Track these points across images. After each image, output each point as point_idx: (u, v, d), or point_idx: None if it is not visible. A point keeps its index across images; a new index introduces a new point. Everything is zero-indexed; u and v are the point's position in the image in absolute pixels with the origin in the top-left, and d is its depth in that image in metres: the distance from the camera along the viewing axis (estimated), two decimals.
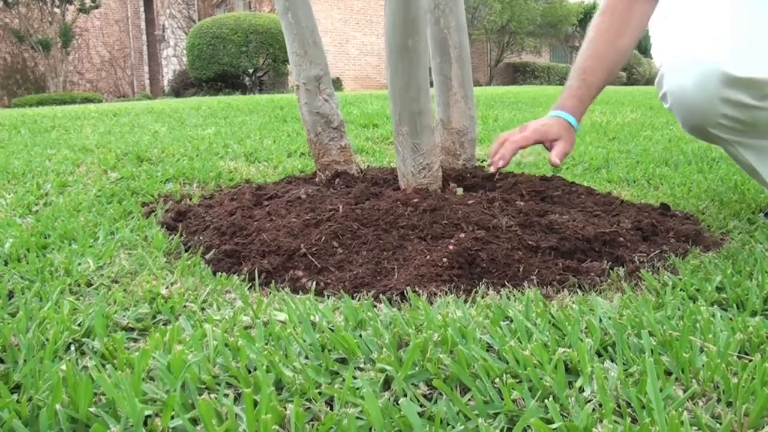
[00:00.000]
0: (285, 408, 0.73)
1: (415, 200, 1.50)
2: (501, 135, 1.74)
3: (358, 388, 0.78)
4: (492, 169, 1.66)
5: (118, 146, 2.97)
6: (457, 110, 1.83)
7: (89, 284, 1.25)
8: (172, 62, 25.70)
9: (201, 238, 1.50)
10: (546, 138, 1.70)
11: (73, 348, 0.95)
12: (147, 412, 0.74)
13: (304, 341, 0.92)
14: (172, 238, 1.54)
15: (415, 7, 1.53)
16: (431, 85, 1.77)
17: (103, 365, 0.86)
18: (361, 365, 0.86)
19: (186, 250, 1.48)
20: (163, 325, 1.05)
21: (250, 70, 19.24)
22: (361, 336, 0.93)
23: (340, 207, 1.49)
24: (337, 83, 22.67)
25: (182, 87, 21.79)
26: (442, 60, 1.83)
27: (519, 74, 27.03)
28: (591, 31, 1.78)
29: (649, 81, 28.15)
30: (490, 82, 26.92)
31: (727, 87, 1.46)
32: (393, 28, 1.55)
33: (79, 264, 1.34)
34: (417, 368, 0.83)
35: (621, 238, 1.42)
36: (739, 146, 1.62)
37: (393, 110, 1.62)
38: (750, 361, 0.85)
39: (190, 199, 1.98)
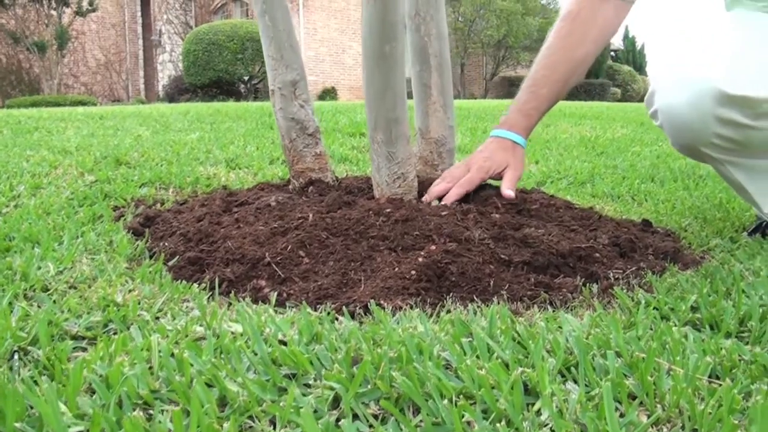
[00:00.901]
0: (222, 426, 0.69)
1: (388, 210, 1.46)
2: (447, 174, 1.67)
3: (301, 407, 0.74)
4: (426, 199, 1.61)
5: (99, 149, 2.93)
6: (436, 119, 1.80)
7: (45, 289, 1.20)
8: (168, 67, 25.67)
9: (166, 244, 1.46)
10: (491, 174, 1.64)
11: (16, 356, 0.91)
12: (78, 428, 0.69)
13: (255, 354, 0.88)
14: (138, 244, 1.50)
15: (393, 12, 1.50)
16: (409, 93, 1.74)
17: (42, 376, 0.82)
18: (311, 382, 0.82)
19: (150, 257, 1.44)
20: (114, 334, 1.00)
21: (246, 78, 19.23)
22: (314, 350, 0.89)
23: (310, 215, 1.45)
24: (333, 93, 22.68)
25: (177, 92, 21.76)
26: (421, 68, 1.79)
27: (514, 88, 26.75)
28: (551, 37, 1.72)
29: (644, 98, 28.25)
30: (485, 95, 26.99)
31: (720, 105, 1.43)
32: (369, 33, 1.52)
33: (39, 268, 1.29)
34: (369, 386, 0.79)
35: (597, 254, 1.39)
36: (730, 165, 1.59)
37: (368, 117, 1.58)
38: (719, 385, 0.81)
39: (162, 204, 1.94)
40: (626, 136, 4.71)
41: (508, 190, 1.61)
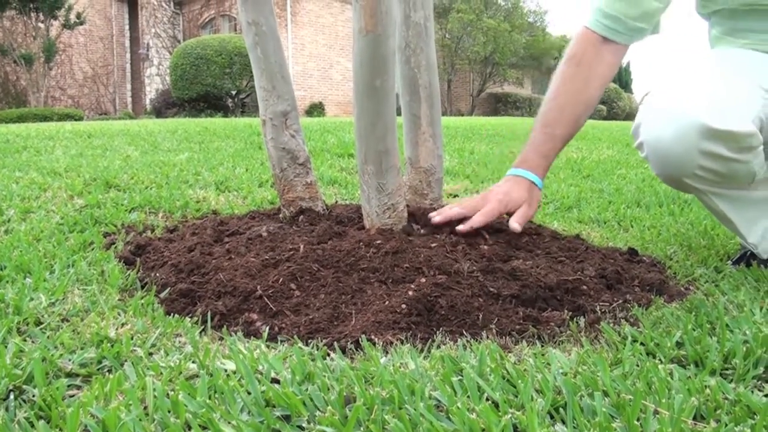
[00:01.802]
0: None
1: (378, 242, 1.48)
2: (462, 202, 1.70)
3: None
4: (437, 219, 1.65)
5: (88, 171, 2.93)
6: (426, 149, 1.82)
7: (38, 323, 1.21)
8: (155, 81, 25.65)
9: (158, 274, 1.46)
10: (509, 210, 1.68)
11: (12, 396, 0.91)
12: None
13: (248, 394, 0.89)
14: (129, 274, 1.51)
15: (384, 47, 1.52)
16: (399, 122, 1.76)
17: (39, 420, 0.83)
18: (304, 424, 0.83)
19: (142, 287, 1.45)
20: (108, 371, 1.01)
21: (233, 92, 19.23)
22: (307, 390, 0.90)
23: (301, 247, 1.46)
24: (320, 108, 22.73)
25: (164, 106, 21.74)
26: (411, 99, 1.81)
27: (501, 104, 27.28)
28: (557, 79, 1.76)
29: (629, 115, 28.44)
30: (472, 112, 27.12)
31: (705, 139, 1.45)
32: (360, 66, 1.54)
33: (31, 300, 1.30)
34: (362, 429, 0.80)
35: (584, 287, 1.41)
36: (713, 196, 1.62)
37: (358, 149, 1.60)
38: (704, 427, 0.83)
39: (153, 231, 1.94)
40: (612, 158, 4.75)
41: (515, 224, 1.65)
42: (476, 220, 1.62)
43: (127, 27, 27.26)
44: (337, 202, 2.41)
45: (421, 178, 1.83)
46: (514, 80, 28.13)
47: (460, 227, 1.61)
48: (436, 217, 1.66)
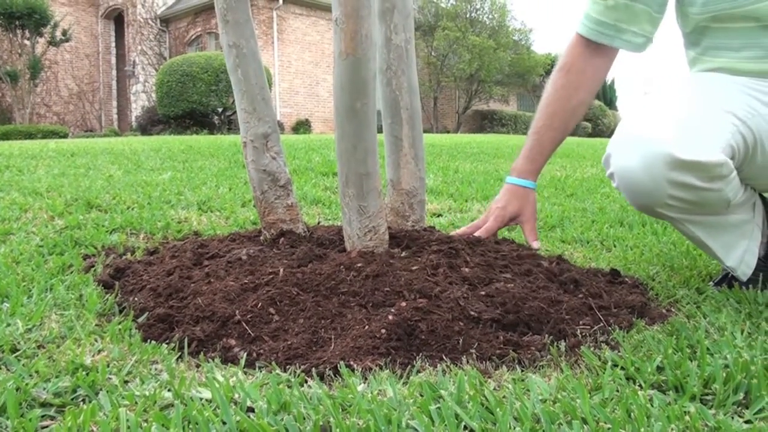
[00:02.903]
0: None
1: (359, 265, 1.47)
2: (473, 225, 1.89)
3: None
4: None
5: (69, 191, 2.92)
6: (408, 171, 1.82)
7: (14, 350, 1.19)
8: (141, 98, 25.61)
9: (136, 299, 1.45)
10: (507, 221, 1.85)
11: None
12: None
13: (224, 424, 0.88)
14: (107, 298, 1.49)
15: (365, 70, 1.52)
16: (382, 142, 1.76)
17: None
18: None
19: (120, 311, 1.43)
20: (82, 401, 1.00)
21: (219, 109, 19.23)
22: (283, 420, 0.89)
23: (281, 270, 1.45)
24: (307, 125, 22.74)
25: (150, 123, 21.70)
26: (393, 121, 1.81)
27: (486, 121, 27.40)
28: (548, 88, 1.83)
29: (614, 132, 28.63)
30: (457, 129, 27.23)
31: (673, 170, 1.45)
32: (341, 90, 1.54)
33: (8, 326, 1.28)
34: None
35: (564, 310, 1.41)
36: (688, 223, 1.62)
37: (340, 171, 1.60)
38: None
39: (133, 253, 1.93)
40: (595, 177, 4.76)
41: (534, 242, 1.86)
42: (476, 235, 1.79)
43: (113, 44, 27.24)
44: (319, 222, 2.40)
45: (403, 200, 1.83)
46: (500, 97, 28.25)
47: (455, 231, 1.84)
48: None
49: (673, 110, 1.57)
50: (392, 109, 1.82)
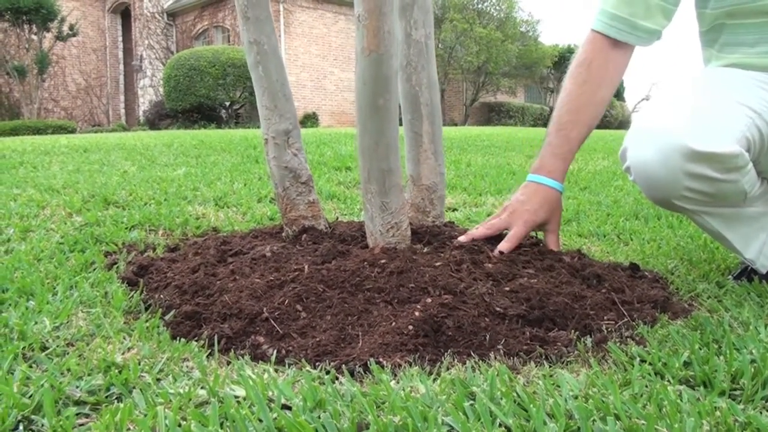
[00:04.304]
0: None
1: (383, 261, 1.47)
2: (488, 222, 1.77)
3: None
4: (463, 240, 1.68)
5: (85, 187, 2.93)
6: (428, 167, 1.82)
7: (44, 348, 1.20)
8: (149, 92, 25.63)
9: (162, 296, 1.46)
10: (536, 228, 1.74)
11: (21, 427, 0.90)
12: None
13: (260, 422, 0.89)
14: (133, 295, 1.50)
15: (387, 66, 1.52)
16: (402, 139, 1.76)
17: None
18: None
19: (146, 308, 1.44)
20: (117, 399, 1.01)
21: (227, 103, 19.24)
22: (320, 417, 0.90)
23: (306, 267, 1.46)
24: (314, 118, 22.74)
25: (158, 117, 21.73)
26: (413, 117, 1.82)
27: (494, 114, 27.36)
28: (568, 84, 1.78)
29: (623, 124, 28.60)
30: (465, 121, 27.19)
31: (689, 161, 1.45)
32: (363, 86, 1.54)
33: (35, 324, 1.29)
34: None
35: (589, 305, 1.41)
36: (706, 215, 1.62)
37: (362, 168, 1.60)
38: None
39: (154, 250, 1.93)
40: (608, 169, 4.76)
41: (554, 246, 1.77)
42: (504, 247, 1.66)
43: (120, 38, 27.28)
44: (338, 218, 2.41)
45: (423, 196, 1.83)
46: (507, 89, 28.20)
47: (473, 231, 1.73)
48: (462, 238, 1.70)
49: (688, 103, 1.58)
50: (412, 104, 1.83)
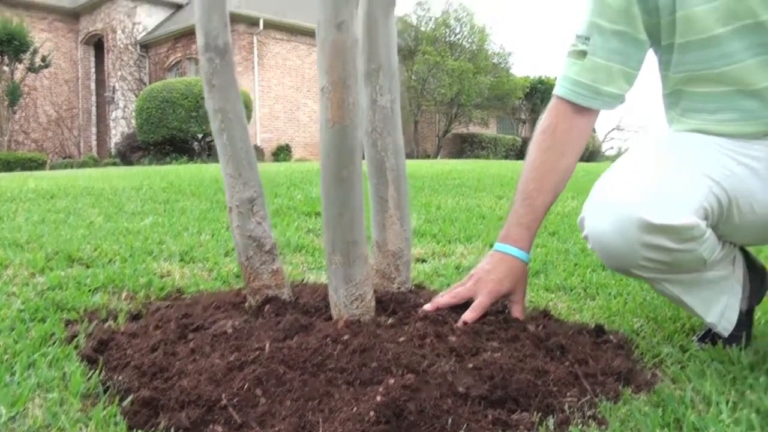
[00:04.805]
0: None
1: (346, 337, 1.46)
2: (452, 290, 1.75)
3: None
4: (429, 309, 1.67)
5: (50, 242, 2.89)
6: (393, 232, 1.82)
7: None
8: (121, 124, 25.57)
9: (121, 378, 1.43)
10: (501, 298, 1.73)
11: None
12: None
13: None
14: (91, 375, 1.47)
15: (351, 138, 1.53)
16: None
17: None
18: None
19: (105, 391, 1.41)
20: None
21: (199, 135, 19.22)
22: None
23: (267, 345, 1.44)
24: (287, 150, 22.78)
25: (129, 150, 21.65)
26: (378, 182, 1.82)
27: (467, 145, 27.58)
28: (533, 151, 1.79)
29: (593, 154, 28.92)
30: (438, 152, 27.37)
31: (646, 233, 1.47)
32: (327, 157, 1.54)
33: None
34: None
35: (552, 381, 1.40)
36: (666, 282, 1.63)
37: (326, 238, 1.59)
38: None
39: (116, 319, 1.90)
40: (577, 210, 4.73)
41: (519, 315, 1.75)
42: (468, 317, 1.65)
43: (93, 70, 27.23)
44: (305, 276, 2.39)
45: (389, 262, 1.83)
46: (480, 121, 28.49)
47: (437, 300, 1.72)
48: (427, 306, 1.68)
49: (645, 172, 1.59)
50: (378, 170, 1.83)
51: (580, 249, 3.24)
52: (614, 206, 1.52)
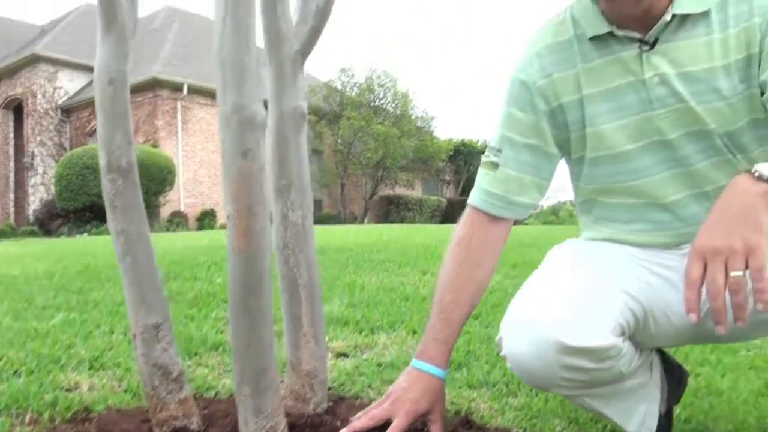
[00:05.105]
0: None
1: None
2: (369, 411, 1.69)
3: None
4: None
5: None
6: (308, 351, 1.77)
7: None
8: (40, 190, 25.00)
9: None
10: (419, 417, 1.67)
11: None
12: None
13: None
14: None
15: (259, 265, 1.49)
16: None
17: None
18: None
19: None
20: None
21: None
22: None
23: None
24: (212, 215, 22.56)
25: (48, 217, 21.15)
26: (291, 299, 1.78)
27: (393, 206, 27.82)
28: (449, 262, 1.77)
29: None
30: (365, 215, 27.50)
31: (563, 355, 1.47)
32: (234, 284, 1.50)
33: None
34: None
35: None
36: (585, 397, 1.63)
37: (234, 368, 1.54)
38: None
39: None
40: (500, 286, 4.75)
41: None
42: None
43: (11, 135, 26.70)
44: (218, 390, 2.31)
45: (303, 382, 1.78)
46: (405, 183, 28.84)
47: (354, 424, 1.63)
48: (344, 431, 1.63)
49: (561, 288, 1.59)
50: (290, 287, 1.79)
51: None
52: (531, 327, 1.51)
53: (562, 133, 1.72)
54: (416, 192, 30.62)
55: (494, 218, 1.75)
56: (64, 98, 25.67)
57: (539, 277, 1.68)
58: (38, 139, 25.04)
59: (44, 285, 4.47)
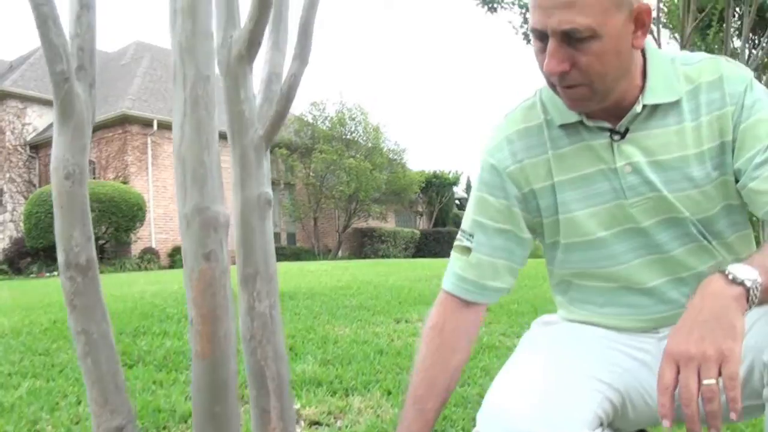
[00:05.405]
0: None
1: None
2: None
3: None
4: None
5: None
6: None
7: None
8: (9, 228, 24.68)
9: None
10: None
11: None
12: None
13: None
14: None
15: (224, 370, 1.45)
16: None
17: None
18: None
19: None
20: None
21: None
22: None
23: None
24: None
25: (18, 256, 20.85)
26: (258, 393, 1.72)
27: (366, 239, 27.83)
28: (423, 350, 1.73)
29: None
30: (338, 248, 27.45)
31: None
32: (198, 392, 1.47)
33: None
34: None
35: None
36: None
37: None
38: None
39: None
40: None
41: None
42: None
43: None
44: None
45: None
46: (378, 215, 28.85)
47: None
48: None
49: (537, 378, 1.56)
50: (258, 380, 1.73)
51: (477, 393, 3.20)
52: (506, 420, 1.48)
53: (535, 217, 1.70)
54: (389, 224, 30.64)
55: (468, 303, 1.72)
56: (33, 134, 25.43)
57: (514, 363, 1.65)
58: (7, 175, 24.76)
59: (10, 346, 4.36)
